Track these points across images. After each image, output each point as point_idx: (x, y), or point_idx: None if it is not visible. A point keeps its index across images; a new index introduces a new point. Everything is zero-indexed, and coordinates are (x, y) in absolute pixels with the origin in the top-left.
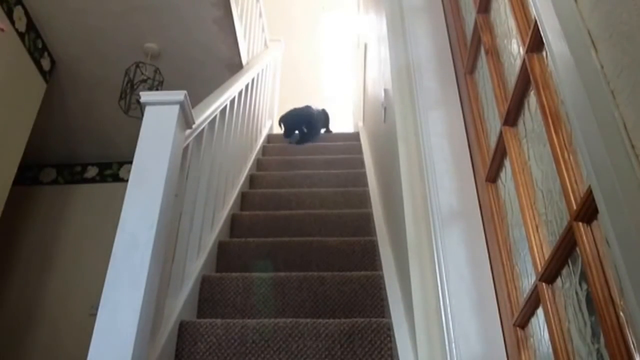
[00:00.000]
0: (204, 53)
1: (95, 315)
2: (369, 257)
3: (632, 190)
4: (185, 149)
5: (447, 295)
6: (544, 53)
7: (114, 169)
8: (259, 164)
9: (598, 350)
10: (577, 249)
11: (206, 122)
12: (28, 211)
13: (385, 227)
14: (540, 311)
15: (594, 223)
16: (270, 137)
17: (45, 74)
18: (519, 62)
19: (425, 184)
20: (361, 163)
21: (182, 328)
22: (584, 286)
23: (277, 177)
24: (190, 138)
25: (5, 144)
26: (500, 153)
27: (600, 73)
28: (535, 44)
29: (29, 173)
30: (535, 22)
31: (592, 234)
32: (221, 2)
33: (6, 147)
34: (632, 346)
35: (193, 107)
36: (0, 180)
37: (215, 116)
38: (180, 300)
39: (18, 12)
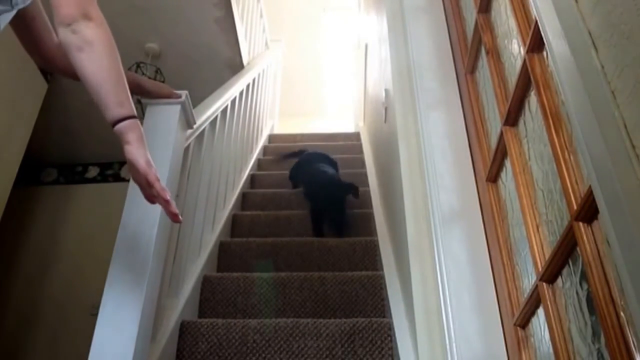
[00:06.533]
0: (205, 53)
1: (96, 315)
2: (370, 257)
3: (632, 190)
4: (186, 149)
5: (447, 294)
6: (544, 53)
7: (115, 169)
8: (259, 164)
9: (598, 350)
10: (578, 248)
11: (207, 122)
12: (29, 211)
13: (386, 227)
14: (540, 311)
15: (595, 223)
16: (272, 137)
17: (46, 74)
18: (519, 62)
19: (425, 183)
20: (362, 163)
21: (183, 328)
22: (585, 286)
23: (278, 177)
24: (191, 138)
25: (6, 144)
26: (501, 153)
27: (600, 73)
28: (536, 44)
29: (31, 173)
30: (536, 22)
31: (593, 233)
32: (222, 3)
33: (7, 147)
34: (632, 346)
35: (194, 107)
36: (1, 181)
37: (216, 116)
38: (182, 300)
39: None
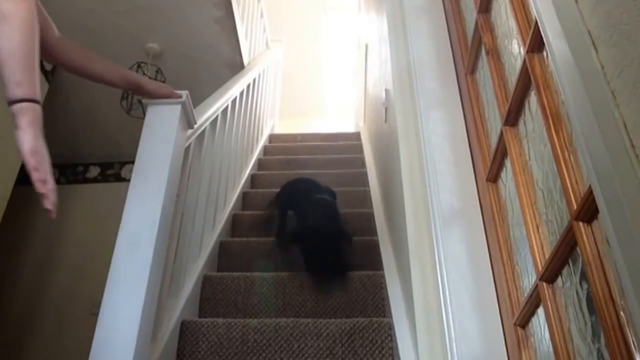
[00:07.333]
0: (206, 53)
1: (97, 314)
2: (370, 256)
3: (632, 190)
4: (187, 148)
5: (447, 294)
6: (544, 53)
7: (115, 169)
8: (260, 163)
9: (598, 350)
10: (578, 248)
11: (208, 122)
12: (30, 211)
13: (386, 226)
14: (540, 310)
15: (595, 223)
16: (272, 137)
17: (47, 74)
18: (519, 62)
19: (425, 183)
20: (362, 163)
21: (184, 327)
22: (585, 286)
23: (278, 177)
24: (192, 138)
25: (7, 143)
26: (501, 153)
27: (600, 73)
28: (536, 44)
29: None
30: (536, 22)
31: (593, 233)
32: (223, 3)
33: (9, 146)
34: (632, 346)
35: (194, 107)
36: (3, 180)
37: (217, 116)
38: (182, 300)
39: None
